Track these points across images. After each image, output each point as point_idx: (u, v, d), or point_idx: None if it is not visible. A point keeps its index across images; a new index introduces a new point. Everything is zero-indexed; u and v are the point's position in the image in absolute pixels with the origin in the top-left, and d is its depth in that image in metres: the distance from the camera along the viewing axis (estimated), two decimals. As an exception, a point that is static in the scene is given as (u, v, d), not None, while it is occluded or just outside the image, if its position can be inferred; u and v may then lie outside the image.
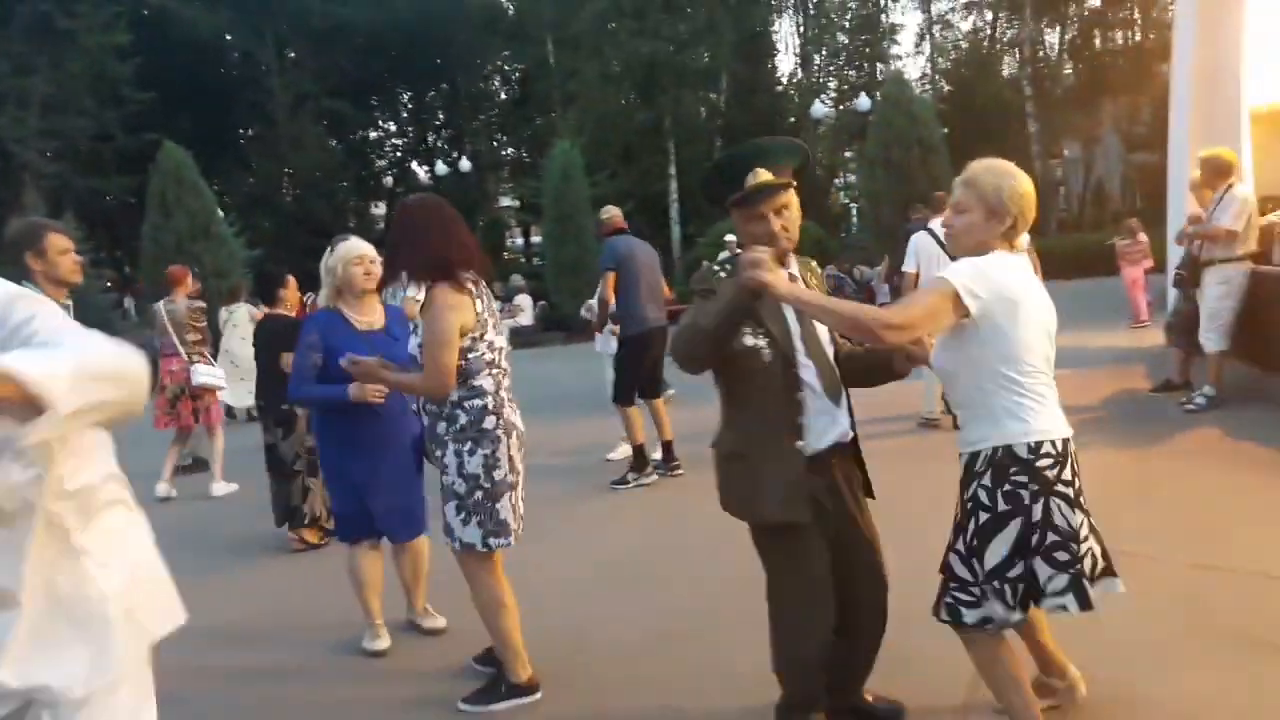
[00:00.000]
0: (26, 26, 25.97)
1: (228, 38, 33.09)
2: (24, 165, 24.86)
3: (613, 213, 7.10)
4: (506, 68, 37.54)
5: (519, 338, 18.66)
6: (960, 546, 2.51)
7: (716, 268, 2.73)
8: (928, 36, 34.04)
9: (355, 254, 4.01)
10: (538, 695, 3.37)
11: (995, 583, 2.42)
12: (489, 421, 3.21)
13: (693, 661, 3.54)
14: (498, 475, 3.22)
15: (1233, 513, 4.52)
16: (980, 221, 2.47)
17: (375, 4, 32.82)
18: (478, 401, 3.20)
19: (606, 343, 8.02)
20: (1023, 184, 2.47)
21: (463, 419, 3.21)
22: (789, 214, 2.62)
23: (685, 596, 4.26)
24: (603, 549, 5.15)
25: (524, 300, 21.19)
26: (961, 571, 2.51)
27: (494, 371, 3.27)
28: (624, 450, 7.10)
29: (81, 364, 1.48)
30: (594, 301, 7.58)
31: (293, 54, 33.01)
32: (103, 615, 1.74)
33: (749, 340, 2.56)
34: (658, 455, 6.82)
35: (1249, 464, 5.35)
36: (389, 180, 39.07)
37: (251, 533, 6.21)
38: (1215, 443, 5.92)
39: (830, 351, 2.69)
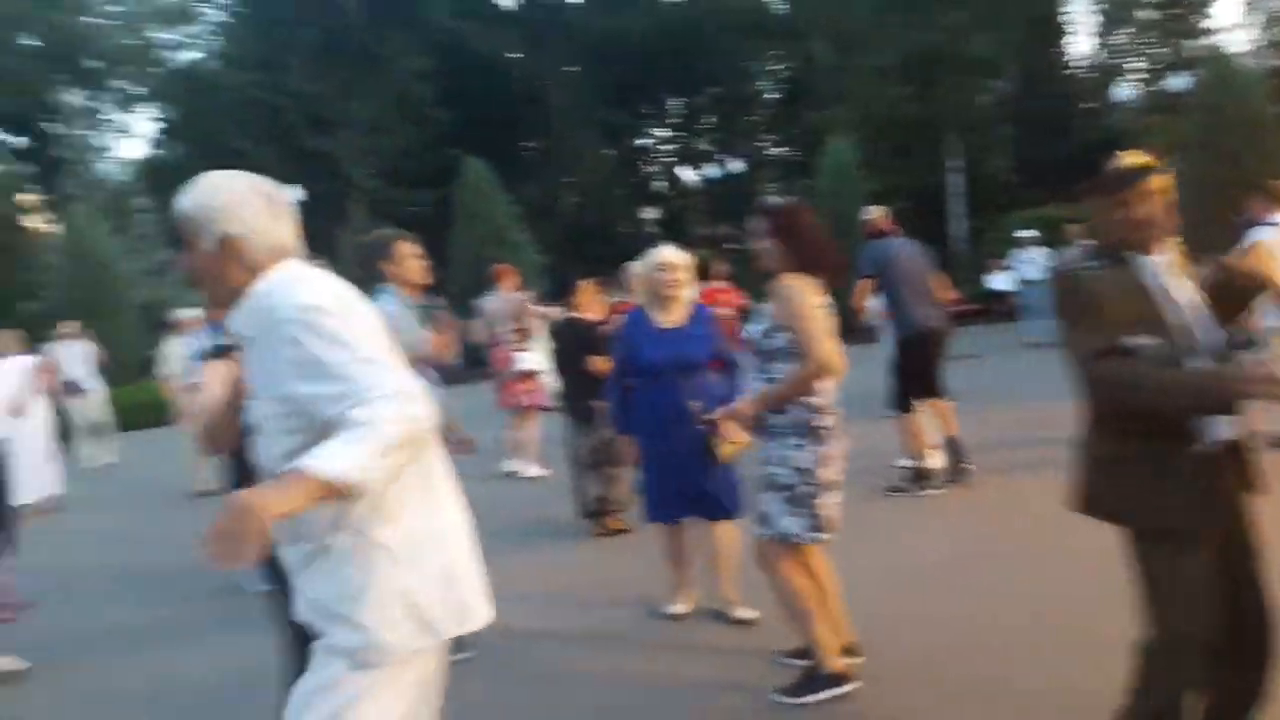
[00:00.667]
0: (350, 56, 29.53)
1: (514, 56, 35.64)
2: (350, 182, 28.27)
3: (875, 214, 6.98)
4: (775, 68, 37.78)
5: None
6: None
7: (1082, 268, 2.53)
8: (1255, 5, 30.60)
9: (658, 262, 4.54)
10: (853, 685, 3.49)
11: None
12: (823, 419, 3.44)
13: (1009, 679, 3.47)
14: (826, 473, 3.44)
15: None
16: None
17: (649, 14, 34.21)
18: (816, 399, 3.42)
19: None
20: None
21: (800, 414, 3.42)
22: (1159, 200, 2.45)
23: (996, 609, 4.20)
24: (901, 555, 5.14)
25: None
26: None
27: None
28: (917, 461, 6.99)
29: (377, 445, 1.72)
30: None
31: (571, 68, 35.04)
32: (377, 606, 1.93)
33: (1136, 340, 2.35)
34: (935, 463, 6.66)
35: None
36: (659, 185, 40.46)
37: (558, 514, 6.77)
38: None
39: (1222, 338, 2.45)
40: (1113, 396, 2.41)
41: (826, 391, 3.47)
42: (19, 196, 30.35)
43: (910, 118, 26.71)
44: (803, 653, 3.69)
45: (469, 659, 4.19)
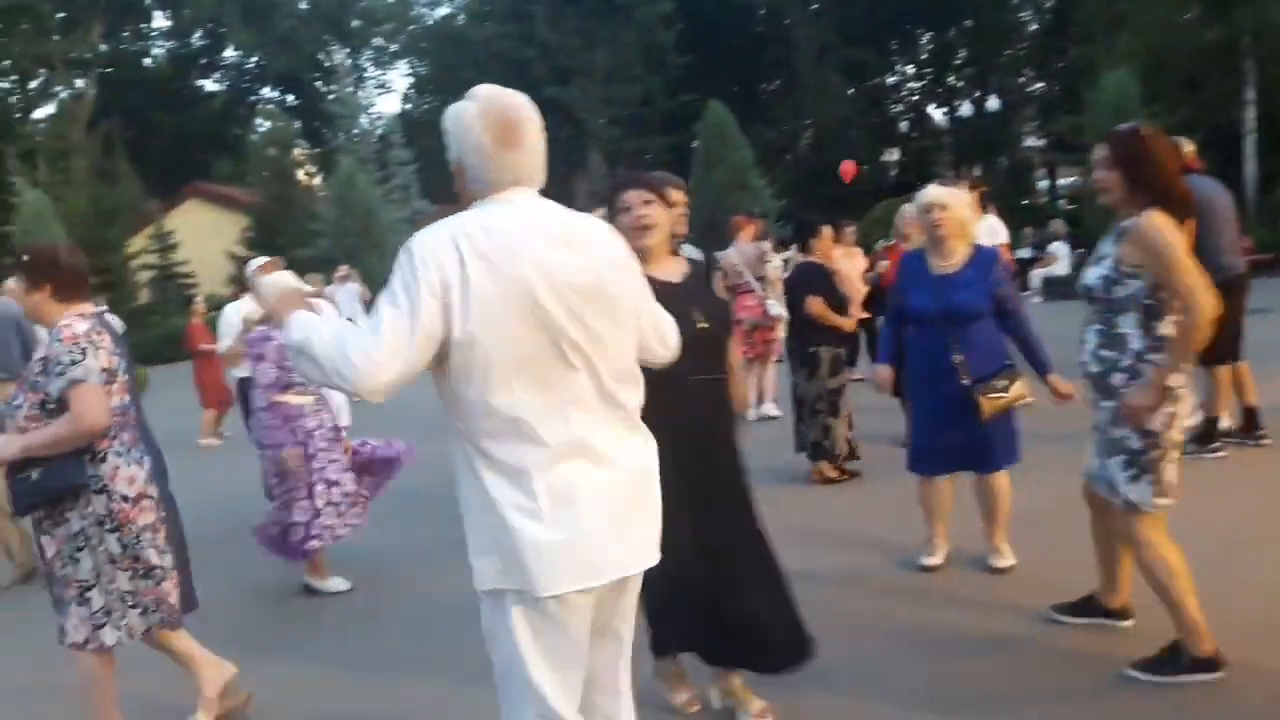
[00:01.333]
0: (591, 5, 30.42)
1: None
2: (589, 131, 29.34)
3: (1187, 149, 6.32)
4: (1039, -4, 35.43)
5: (1053, 289, 17.95)
6: None
7: None
8: None
9: (924, 204, 4.40)
10: (1221, 674, 3.20)
11: None
12: (1177, 379, 3.12)
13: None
14: (1175, 435, 3.17)
15: None
16: None
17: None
18: (1168, 357, 3.10)
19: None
20: None
21: (1154, 371, 3.10)
22: None
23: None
24: (1195, 521, 4.85)
25: (1060, 248, 20.16)
26: None
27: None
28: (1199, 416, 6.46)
29: (309, 343, 1.98)
30: None
31: (816, 6, 34.35)
32: (472, 535, 2.08)
33: None
34: (1226, 424, 6.25)
35: None
36: (903, 126, 39.16)
37: (793, 459, 6.80)
38: None
39: None
40: None
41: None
42: (294, 152, 33.57)
43: (1201, 45, 24.24)
44: (1080, 608, 3.58)
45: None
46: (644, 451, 2.18)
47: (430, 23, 42.09)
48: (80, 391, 3.11)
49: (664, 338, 2.35)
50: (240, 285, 8.70)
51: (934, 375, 4.31)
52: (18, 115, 34.92)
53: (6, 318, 6.34)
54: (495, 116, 2.04)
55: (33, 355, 6.80)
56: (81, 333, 3.20)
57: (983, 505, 4.49)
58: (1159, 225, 3.07)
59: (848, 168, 20.95)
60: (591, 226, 2.14)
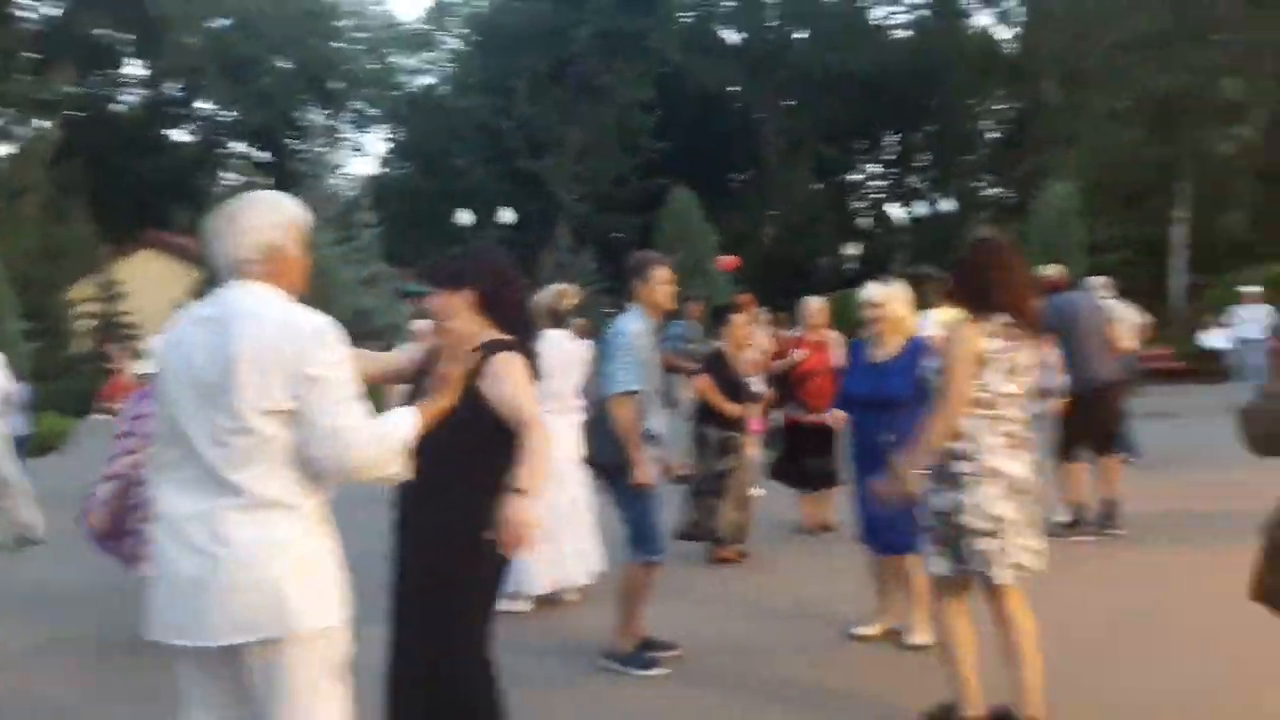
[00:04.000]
0: (574, 83, 31.98)
1: (732, 89, 37.28)
2: (559, 205, 30.61)
3: (1053, 272, 7.38)
4: (1000, 107, 37.70)
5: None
6: None
7: None
8: None
9: (862, 299, 4.85)
10: None
11: None
12: (963, 465, 3.43)
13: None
14: (969, 520, 3.40)
15: None
16: None
17: (876, 51, 35.14)
18: (959, 445, 3.43)
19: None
20: None
21: (940, 461, 3.49)
22: None
23: (1156, 674, 4.22)
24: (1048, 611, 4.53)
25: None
26: None
27: (986, 416, 3.44)
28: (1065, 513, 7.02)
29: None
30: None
31: (788, 101, 36.27)
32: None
33: None
34: (1087, 517, 6.88)
35: None
36: (865, 222, 40.96)
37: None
38: None
39: None
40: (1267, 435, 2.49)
41: (977, 436, 3.44)
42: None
43: (1141, 164, 26.23)
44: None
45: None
46: (237, 535, 2.26)
47: (412, 90, 43.46)
48: None
49: (325, 441, 2.30)
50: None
51: (860, 457, 4.84)
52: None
53: None
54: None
55: None
56: None
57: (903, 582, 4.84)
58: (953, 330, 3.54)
59: (728, 262, 22.31)
60: (244, 314, 2.35)
